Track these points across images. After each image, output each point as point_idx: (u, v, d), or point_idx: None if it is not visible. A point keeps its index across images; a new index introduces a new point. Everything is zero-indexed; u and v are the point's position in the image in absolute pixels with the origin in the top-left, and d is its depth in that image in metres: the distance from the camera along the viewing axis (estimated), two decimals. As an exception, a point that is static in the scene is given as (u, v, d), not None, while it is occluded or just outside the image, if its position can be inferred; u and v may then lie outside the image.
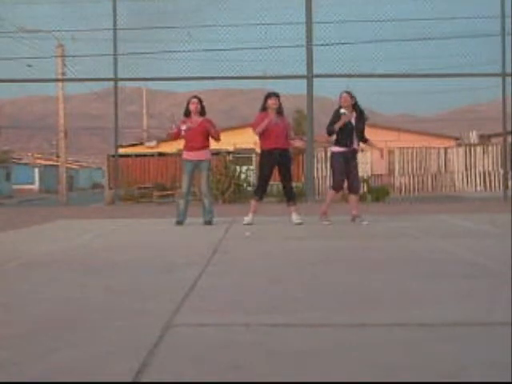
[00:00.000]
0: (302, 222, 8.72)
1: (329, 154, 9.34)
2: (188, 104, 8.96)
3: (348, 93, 8.77)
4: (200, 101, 8.97)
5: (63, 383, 2.17)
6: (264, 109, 8.80)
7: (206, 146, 8.95)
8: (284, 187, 9.03)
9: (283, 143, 8.78)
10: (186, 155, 9.00)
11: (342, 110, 8.65)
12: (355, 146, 8.75)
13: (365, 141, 9.03)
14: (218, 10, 21.72)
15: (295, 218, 8.78)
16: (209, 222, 8.87)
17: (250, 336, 2.74)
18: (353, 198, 8.89)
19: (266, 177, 8.85)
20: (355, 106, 8.73)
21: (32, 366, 2.34)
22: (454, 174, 28.00)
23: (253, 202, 8.98)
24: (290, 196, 8.95)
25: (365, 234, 7.51)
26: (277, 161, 8.76)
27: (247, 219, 8.80)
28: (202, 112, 8.97)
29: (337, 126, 8.57)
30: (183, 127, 8.87)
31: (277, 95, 8.83)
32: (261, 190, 8.93)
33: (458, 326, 2.89)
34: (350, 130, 8.65)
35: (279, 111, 8.80)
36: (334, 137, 8.79)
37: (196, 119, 8.91)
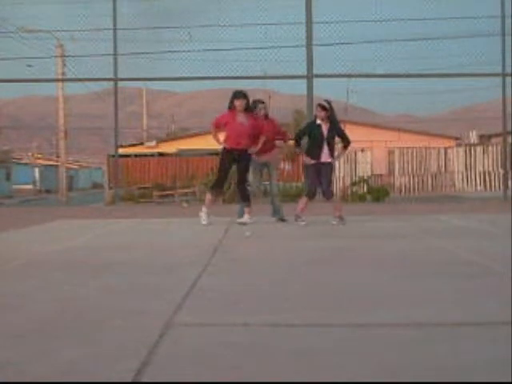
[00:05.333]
0: (247, 222, 8.61)
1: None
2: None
3: (320, 105, 8.66)
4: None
5: (63, 383, 2.17)
6: (232, 107, 8.78)
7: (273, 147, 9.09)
8: (237, 186, 9.08)
9: (244, 143, 8.73)
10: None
11: (318, 122, 8.66)
12: (323, 159, 8.65)
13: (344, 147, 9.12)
14: (218, 9, 21.71)
15: (245, 218, 8.74)
16: (282, 219, 9.03)
17: (250, 336, 2.74)
18: (332, 201, 8.88)
19: (224, 173, 8.86)
20: (330, 118, 8.65)
21: (32, 366, 2.34)
22: (454, 173, 28.00)
23: (208, 196, 8.96)
24: (242, 197, 8.93)
25: (365, 234, 7.51)
26: (235, 160, 8.78)
27: (203, 216, 8.70)
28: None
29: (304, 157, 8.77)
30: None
31: (244, 95, 8.72)
32: (217, 187, 8.93)
33: (457, 325, 2.89)
34: (320, 142, 8.65)
35: (247, 110, 8.74)
36: (305, 148, 8.87)
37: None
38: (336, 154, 8.99)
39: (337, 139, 8.88)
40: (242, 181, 8.95)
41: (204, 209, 8.76)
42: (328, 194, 8.80)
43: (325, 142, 8.62)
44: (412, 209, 13.21)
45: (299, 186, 19.09)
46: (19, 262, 5.24)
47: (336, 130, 8.74)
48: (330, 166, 8.76)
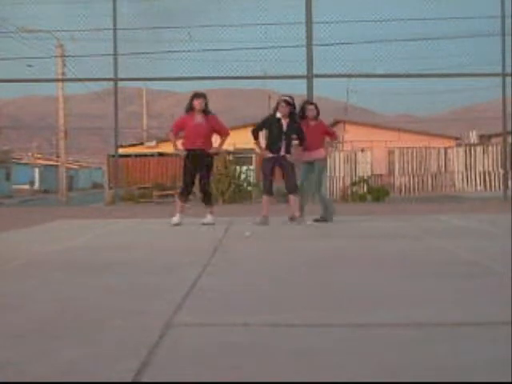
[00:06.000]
0: (214, 223, 8.72)
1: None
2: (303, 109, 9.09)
3: (286, 100, 8.70)
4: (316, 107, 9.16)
5: (63, 383, 2.18)
6: (190, 109, 8.80)
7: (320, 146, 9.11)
8: (200, 189, 9.06)
9: (202, 144, 8.77)
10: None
11: (278, 116, 8.70)
12: (283, 152, 8.71)
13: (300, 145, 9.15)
14: (218, 9, 21.70)
15: (209, 218, 8.80)
16: (324, 220, 8.97)
17: (250, 336, 2.74)
18: (291, 198, 8.88)
19: (188, 178, 8.88)
20: (291, 115, 8.71)
21: (32, 366, 2.34)
22: (454, 173, 27.99)
23: (178, 203, 8.99)
24: (205, 197, 8.97)
25: (365, 234, 7.51)
26: (196, 161, 8.78)
27: (175, 219, 8.73)
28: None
29: (258, 150, 8.78)
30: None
31: (204, 96, 8.79)
32: (185, 192, 8.94)
33: (457, 325, 2.89)
34: (278, 136, 8.68)
35: (205, 111, 8.77)
36: (264, 143, 8.90)
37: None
38: (292, 150, 9.04)
39: None
40: (205, 182, 8.97)
41: (177, 214, 8.78)
42: (292, 188, 8.82)
43: (283, 136, 8.65)
44: (412, 209, 13.21)
45: (299, 185, 19.07)
46: (19, 261, 5.24)
47: (294, 127, 8.78)
48: (289, 162, 8.80)
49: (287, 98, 8.75)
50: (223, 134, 9.04)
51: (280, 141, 8.67)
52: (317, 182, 9.10)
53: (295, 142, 9.03)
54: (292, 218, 8.74)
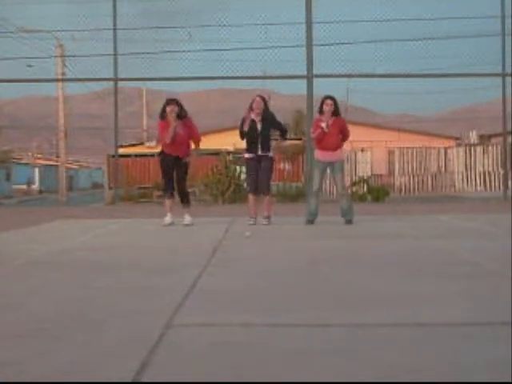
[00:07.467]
0: (193, 224, 8.72)
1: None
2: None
3: (261, 97, 8.78)
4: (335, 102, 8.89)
5: (63, 383, 2.17)
6: (164, 116, 8.79)
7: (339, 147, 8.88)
8: (177, 189, 9.07)
9: (182, 151, 8.82)
10: (318, 155, 8.92)
11: (252, 117, 8.73)
12: (260, 152, 8.72)
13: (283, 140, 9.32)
14: (217, 9, 21.72)
15: (187, 219, 8.81)
16: (349, 222, 8.71)
17: (250, 336, 2.74)
18: (263, 198, 8.90)
19: (168, 176, 8.90)
20: (264, 114, 8.72)
21: (32, 366, 2.34)
22: (454, 174, 27.97)
23: (166, 202, 9.01)
24: (182, 198, 9.01)
25: (364, 234, 7.51)
26: (174, 162, 8.80)
27: (167, 220, 8.77)
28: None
29: (245, 128, 8.76)
30: (323, 124, 8.63)
31: (176, 102, 8.78)
32: (169, 189, 8.97)
33: (457, 325, 2.89)
34: (255, 137, 8.72)
35: (180, 116, 8.76)
36: (244, 144, 8.92)
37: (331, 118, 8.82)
38: (274, 144, 9.10)
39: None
40: (182, 184, 8.97)
41: (168, 214, 8.81)
42: (264, 189, 8.83)
43: (259, 136, 8.69)
44: (412, 209, 13.21)
45: (299, 186, 19.08)
46: (19, 261, 5.24)
47: (270, 124, 8.82)
48: (269, 160, 8.83)
49: (261, 94, 8.86)
50: (196, 141, 9.08)
51: (256, 141, 8.72)
52: (341, 182, 8.95)
53: (273, 143, 9.09)
54: (267, 218, 8.75)
